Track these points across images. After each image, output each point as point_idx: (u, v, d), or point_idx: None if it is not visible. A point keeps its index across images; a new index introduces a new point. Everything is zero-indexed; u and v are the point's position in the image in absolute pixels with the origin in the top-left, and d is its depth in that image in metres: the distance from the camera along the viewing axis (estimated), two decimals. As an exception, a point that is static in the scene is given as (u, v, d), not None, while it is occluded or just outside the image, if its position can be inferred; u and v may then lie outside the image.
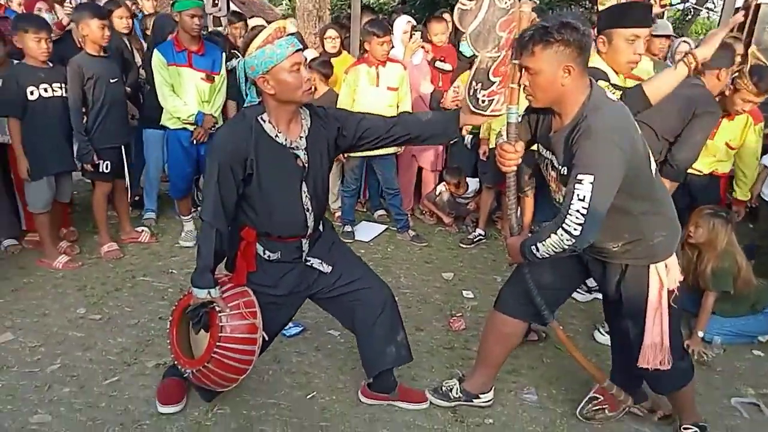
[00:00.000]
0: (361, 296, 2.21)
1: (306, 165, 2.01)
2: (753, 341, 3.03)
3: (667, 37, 3.95)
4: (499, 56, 1.98)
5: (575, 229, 1.73)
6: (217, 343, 1.98)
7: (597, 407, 2.33)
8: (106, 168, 3.53)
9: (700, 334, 2.90)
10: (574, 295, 3.17)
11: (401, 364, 2.33)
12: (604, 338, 2.89)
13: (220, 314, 2.00)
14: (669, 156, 2.84)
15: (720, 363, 2.83)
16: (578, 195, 1.71)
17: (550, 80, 1.77)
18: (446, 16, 4.93)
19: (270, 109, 1.94)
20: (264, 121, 1.94)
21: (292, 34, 1.87)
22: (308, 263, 2.16)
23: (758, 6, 5.03)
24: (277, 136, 1.95)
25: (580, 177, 1.71)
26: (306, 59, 1.96)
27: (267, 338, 2.14)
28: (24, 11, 4.51)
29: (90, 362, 2.58)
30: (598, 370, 2.30)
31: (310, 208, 2.06)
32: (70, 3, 3.95)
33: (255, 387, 2.46)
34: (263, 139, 1.93)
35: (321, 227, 2.20)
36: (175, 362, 2.16)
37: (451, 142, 4.26)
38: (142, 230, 3.97)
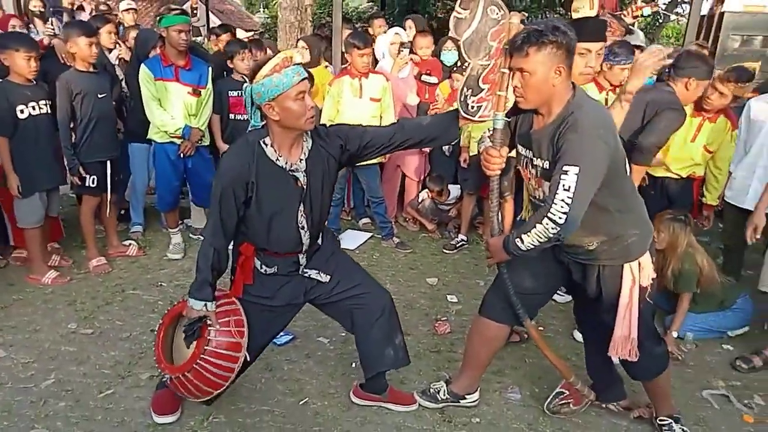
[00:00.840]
0: (360, 301, 2.28)
1: (305, 186, 2.08)
2: (723, 336, 3.18)
3: (639, 47, 4.13)
4: (489, 64, 2.06)
5: (560, 218, 1.82)
6: (201, 355, 2.05)
7: (563, 401, 2.46)
8: (93, 182, 3.58)
9: (674, 333, 3.03)
10: (554, 296, 3.30)
11: (398, 367, 2.41)
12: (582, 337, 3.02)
13: (209, 328, 2.06)
14: (636, 142, 2.88)
15: (692, 358, 2.98)
16: (563, 185, 1.80)
17: (543, 81, 1.86)
18: (409, 23, 5.08)
19: (274, 133, 2.02)
20: (266, 145, 2.02)
21: (298, 63, 1.95)
22: (306, 274, 2.23)
23: (722, 14, 5.25)
24: (277, 159, 2.03)
25: (566, 168, 1.81)
26: (310, 88, 2.05)
27: (249, 359, 2.20)
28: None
29: (84, 376, 2.62)
30: (566, 366, 2.42)
31: (306, 227, 2.13)
32: (51, 24, 3.98)
33: (248, 395, 2.53)
34: (264, 162, 2.01)
35: (320, 240, 2.27)
36: (156, 365, 2.22)
37: (453, 143, 4.34)
38: (130, 244, 4.00)
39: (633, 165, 2.90)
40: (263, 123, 2.02)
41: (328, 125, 2.20)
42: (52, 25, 4.04)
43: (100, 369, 2.67)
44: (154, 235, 4.32)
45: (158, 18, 3.69)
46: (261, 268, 2.18)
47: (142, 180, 4.20)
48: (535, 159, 2.02)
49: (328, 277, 2.25)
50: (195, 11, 10.40)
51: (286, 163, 2.04)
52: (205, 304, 2.05)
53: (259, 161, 2.00)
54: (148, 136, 3.81)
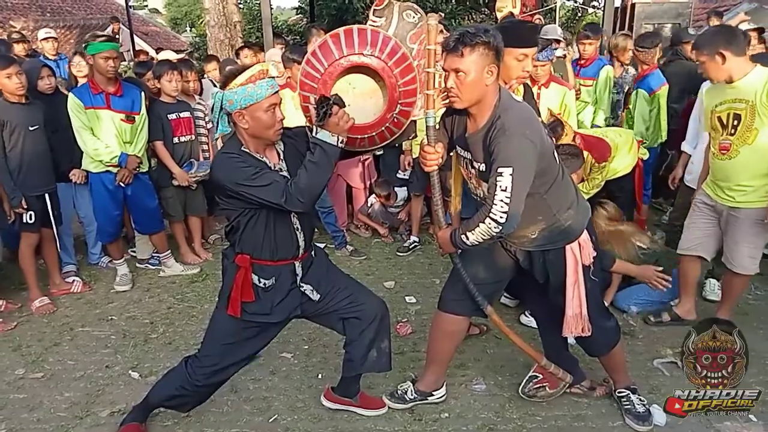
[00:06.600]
0: (352, 310, 2.29)
1: None
2: (665, 306, 3.34)
3: (558, 40, 4.37)
4: None
5: (501, 217, 1.93)
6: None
7: (538, 385, 2.53)
8: (30, 218, 3.42)
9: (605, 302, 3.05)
10: (504, 300, 3.41)
11: (379, 371, 2.41)
12: (527, 320, 3.14)
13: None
14: None
15: (640, 331, 3.14)
16: (500, 186, 1.91)
17: (477, 80, 1.95)
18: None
19: (245, 140, 2.02)
20: (247, 149, 2.02)
21: (272, 77, 1.97)
22: (302, 288, 2.21)
23: (633, 5, 5.59)
24: (262, 159, 2.04)
25: (500, 170, 1.91)
26: (281, 100, 2.06)
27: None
28: None
29: (38, 422, 2.50)
30: (535, 350, 2.49)
31: (299, 227, 2.13)
32: None
33: (215, 419, 2.48)
34: (258, 164, 2.01)
35: (313, 252, 2.27)
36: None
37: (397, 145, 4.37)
38: (73, 280, 3.83)
39: None
40: (232, 131, 2.02)
41: (292, 128, 2.19)
42: None
43: (54, 413, 2.56)
44: (98, 268, 4.16)
45: (84, 45, 3.57)
46: (259, 282, 2.13)
47: (65, 219, 3.86)
48: (474, 162, 2.12)
49: (319, 296, 2.25)
50: (117, 36, 10.13)
51: (270, 162, 2.05)
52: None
53: (250, 160, 2.00)
54: (82, 167, 3.68)
